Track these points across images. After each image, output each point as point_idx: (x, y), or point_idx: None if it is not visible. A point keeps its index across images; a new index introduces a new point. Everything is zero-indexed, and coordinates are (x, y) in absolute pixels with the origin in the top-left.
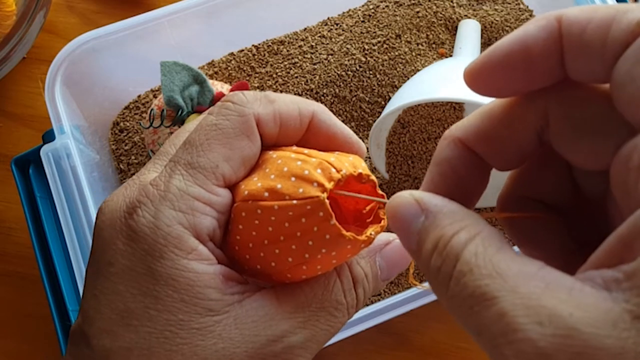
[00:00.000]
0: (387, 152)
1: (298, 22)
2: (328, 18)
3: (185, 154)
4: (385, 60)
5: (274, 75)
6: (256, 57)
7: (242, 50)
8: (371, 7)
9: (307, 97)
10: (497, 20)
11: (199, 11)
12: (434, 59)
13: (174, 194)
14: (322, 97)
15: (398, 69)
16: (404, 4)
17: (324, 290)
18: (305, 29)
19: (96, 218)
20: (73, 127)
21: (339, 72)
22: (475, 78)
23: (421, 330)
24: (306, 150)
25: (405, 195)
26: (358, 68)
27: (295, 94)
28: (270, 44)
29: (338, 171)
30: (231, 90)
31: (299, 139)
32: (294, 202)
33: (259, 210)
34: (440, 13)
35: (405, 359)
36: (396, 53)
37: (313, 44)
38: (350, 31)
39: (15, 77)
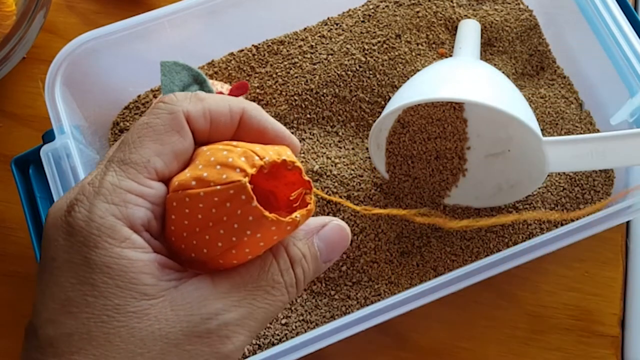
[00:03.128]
0: (387, 152)
1: (298, 22)
2: (328, 18)
3: (119, 152)
4: (385, 60)
5: (274, 75)
6: (256, 57)
7: (242, 50)
8: (371, 7)
9: (307, 97)
10: (497, 20)
11: (199, 11)
12: (434, 59)
13: (107, 188)
14: (322, 97)
15: (398, 69)
16: (404, 4)
17: (260, 271)
18: (305, 29)
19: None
20: (73, 127)
21: (339, 72)
22: None
23: (421, 330)
24: (235, 143)
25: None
26: (358, 68)
27: (295, 94)
28: (270, 44)
29: (261, 158)
30: (231, 90)
31: (231, 135)
32: (218, 187)
33: (187, 199)
34: (440, 13)
35: (405, 359)
36: (396, 53)
37: (313, 44)
38: (350, 31)
39: (15, 77)
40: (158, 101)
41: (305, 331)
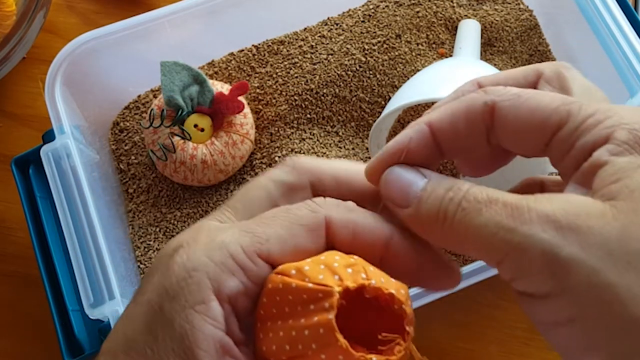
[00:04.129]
0: None
1: (298, 22)
2: (328, 18)
3: (240, 205)
4: (385, 60)
5: (274, 75)
6: (256, 57)
7: (242, 50)
8: (371, 7)
9: (307, 97)
10: (497, 20)
11: (199, 11)
12: (434, 59)
13: (216, 244)
14: (322, 97)
15: (398, 69)
16: (404, 4)
17: None
18: (305, 29)
19: None
20: (73, 127)
21: (339, 72)
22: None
23: (421, 330)
24: (361, 260)
25: (402, 167)
26: (358, 68)
27: (295, 94)
28: (270, 44)
29: (368, 278)
30: (231, 90)
31: (376, 256)
32: (310, 285)
33: (281, 285)
34: (440, 13)
35: None
36: (396, 53)
37: (313, 44)
38: (350, 31)
39: (15, 77)
40: (293, 163)
41: None
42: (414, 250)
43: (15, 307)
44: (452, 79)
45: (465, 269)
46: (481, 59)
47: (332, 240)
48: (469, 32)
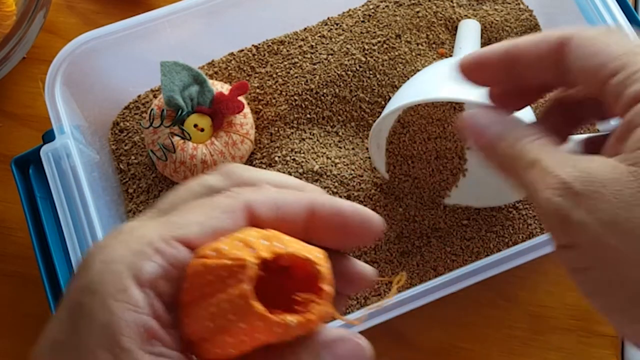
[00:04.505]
0: (387, 152)
1: (298, 22)
2: (328, 18)
3: (167, 205)
4: (385, 60)
5: (274, 75)
6: (256, 57)
7: (242, 50)
8: (371, 7)
9: (307, 97)
10: (497, 20)
11: (199, 11)
12: (434, 59)
13: (134, 237)
14: (322, 97)
15: (398, 69)
16: (404, 4)
17: None
18: (305, 29)
19: None
20: (73, 127)
21: (339, 72)
22: (468, 69)
23: (421, 330)
24: (277, 232)
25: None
26: (358, 68)
27: (295, 94)
28: (270, 44)
29: (284, 247)
30: (231, 90)
31: (300, 228)
32: (227, 261)
33: (201, 267)
34: (440, 13)
35: (405, 359)
36: (396, 53)
37: (313, 44)
38: (350, 31)
39: (15, 77)
40: (227, 170)
41: None
42: (336, 210)
43: (15, 307)
44: (452, 79)
45: (465, 269)
46: None
47: (256, 222)
48: (469, 32)
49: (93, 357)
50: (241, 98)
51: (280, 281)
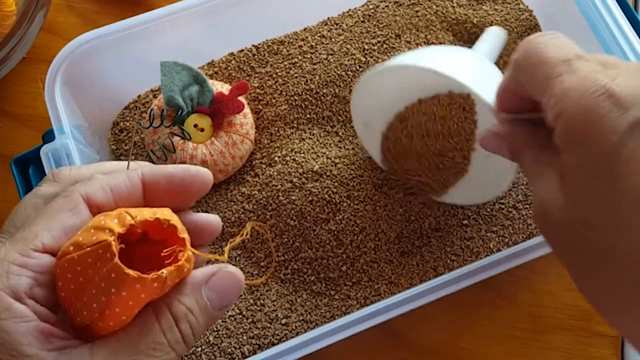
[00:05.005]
0: (382, 146)
1: (298, 22)
2: (328, 18)
3: (11, 227)
4: (385, 60)
5: (274, 75)
6: (256, 57)
7: (242, 50)
8: (371, 7)
9: (307, 97)
10: (497, 20)
11: (199, 11)
12: None
13: None
14: (322, 97)
15: None
16: (404, 3)
17: (140, 334)
18: (305, 29)
19: None
20: (73, 127)
21: (338, 72)
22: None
23: (421, 330)
24: (123, 209)
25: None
26: (358, 68)
27: (295, 94)
28: (270, 44)
29: (133, 218)
30: (231, 90)
31: (140, 202)
32: (89, 248)
33: (66, 264)
34: (441, 12)
35: (405, 359)
36: (396, 53)
37: (313, 43)
38: (350, 31)
39: (15, 77)
40: (53, 175)
41: (305, 331)
42: (163, 174)
43: None
44: (464, 65)
45: (465, 269)
46: None
47: (99, 208)
48: (491, 36)
49: None
50: (241, 98)
51: (148, 250)
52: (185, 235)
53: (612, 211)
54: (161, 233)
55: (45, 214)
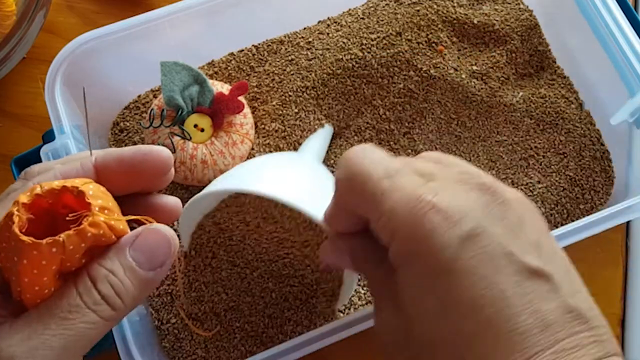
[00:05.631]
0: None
1: (298, 22)
2: (328, 18)
3: None
4: (384, 57)
5: (271, 74)
6: (256, 57)
7: (242, 50)
8: (371, 5)
9: (304, 95)
10: (497, 20)
11: (199, 11)
12: (433, 57)
13: None
14: (319, 94)
15: (397, 66)
16: (405, 2)
17: (57, 301)
18: (305, 28)
19: None
20: (73, 127)
21: (334, 68)
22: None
23: None
24: (41, 183)
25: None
26: (355, 64)
27: (291, 91)
28: (270, 43)
29: (42, 188)
30: (231, 90)
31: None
32: (2, 220)
33: None
34: (441, 12)
35: None
36: (396, 50)
37: (311, 39)
38: (349, 27)
39: (15, 77)
40: (24, 171)
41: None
42: (116, 157)
43: None
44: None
45: None
46: (481, 58)
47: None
48: (318, 135)
49: None
50: (241, 98)
51: (67, 223)
52: (93, 201)
53: (445, 322)
54: (77, 203)
55: (2, 203)
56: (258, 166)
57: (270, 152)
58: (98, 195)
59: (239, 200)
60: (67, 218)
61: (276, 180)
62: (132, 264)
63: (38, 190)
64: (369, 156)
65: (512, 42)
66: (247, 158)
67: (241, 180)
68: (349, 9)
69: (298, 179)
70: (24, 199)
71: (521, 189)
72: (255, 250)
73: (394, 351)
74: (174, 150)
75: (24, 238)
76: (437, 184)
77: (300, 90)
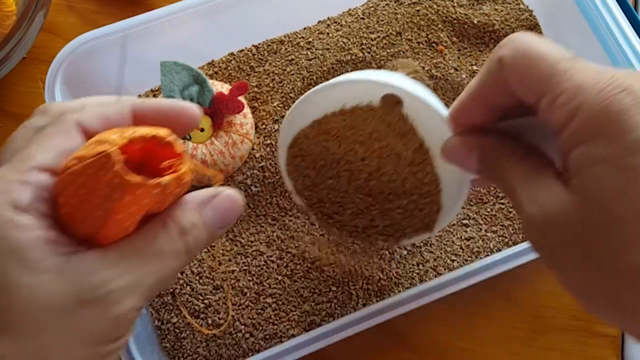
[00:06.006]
0: (288, 165)
1: (298, 22)
2: (328, 18)
3: (6, 154)
4: (384, 57)
5: (271, 74)
6: (256, 57)
7: (242, 50)
8: (371, 5)
9: (301, 93)
10: (497, 20)
11: (199, 11)
12: (433, 57)
13: None
14: None
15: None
16: (405, 2)
17: (149, 240)
18: (305, 28)
19: None
20: None
21: (335, 68)
22: (458, 118)
23: (421, 330)
24: (128, 127)
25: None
26: (355, 64)
27: (291, 91)
28: (270, 43)
29: (133, 133)
30: (231, 91)
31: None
32: (91, 159)
33: (69, 177)
34: (442, 12)
35: (405, 359)
36: (396, 49)
37: (311, 39)
38: (349, 27)
39: (15, 77)
40: (44, 107)
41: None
42: (154, 107)
43: None
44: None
45: (465, 269)
46: (481, 58)
47: (91, 136)
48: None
49: (12, 279)
50: (241, 98)
51: (147, 171)
52: (182, 150)
53: (632, 199)
54: (158, 152)
55: (39, 139)
56: (368, 72)
57: (271, 152)
58: (181, 145)
59: (332, 119)
60: (162, 165)
61: (396, 78)
62: (209, 220)
63: (131, 134)
64: (540, 40)
65: None
66: (247, 158)
67: (369, 74)
68: (349, 9)
69: (410, 80)
70: (119, 141)
71: None
72: (352, 167)
73: (562, 250)
74: None
75: (130, 177)
76: (620, 72)
77: (301, 90)
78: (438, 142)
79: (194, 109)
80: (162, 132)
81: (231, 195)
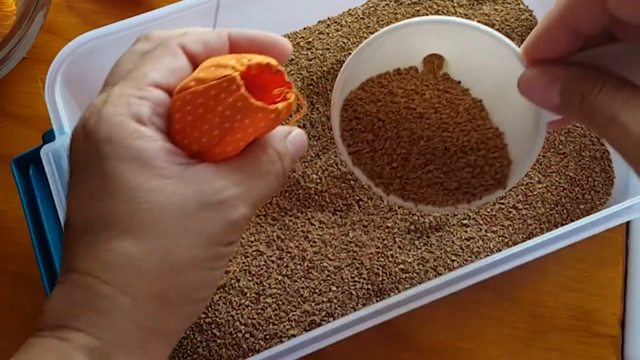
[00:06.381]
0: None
1: (298, 22)
2: (328, 18)
3: (116, 76)
4: None
5: None
6: None
7: None
8: (371, 5)
9: (302, 93)
10: (497, 20)
11: (199, 11)
12: None
13: (113, 97)
14: (319, 92)
15: None
16: (405, 2)
17: (255, 159)
18: (305, 28)
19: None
20: (73, 127)
21: (335, 68)
22: (534, 47)
23: (421, 330)
24: (230, 55)
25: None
26: None
27: None
28: None
29: (249, 60)
30: None
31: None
32: (213, 82)
33: (188, 96)
34: (442, 12)
35: (405, 359)
36: None
37: (311, 39)
38: (349, 27)
39: (15, 77)
40: (149, 34)
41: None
42: (250, 37)
43: (16, 307)
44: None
45: (465, 269)
46: None
47: (193, 60)
48: None
49: (137, 183)
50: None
51: (259, 94)
52: (289, 80)
53: None
54: (269, 80)
55: (149, 59)
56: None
57: None
58: (286, 75)
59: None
60: (274, 93)
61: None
62: (291, 152)
63: (248, 61)
64: None
65: (513, 42)
66: None
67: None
68: (349, 9)
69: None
70: (239, 67)
71: (521, 189)
72: (412, 126)
73: None
74: None
75: (256, 102)
76: None
77: (300, 90)
78: (513, 83)
79: (286, 42)
80: (272, 60)
81: (302, 133)
